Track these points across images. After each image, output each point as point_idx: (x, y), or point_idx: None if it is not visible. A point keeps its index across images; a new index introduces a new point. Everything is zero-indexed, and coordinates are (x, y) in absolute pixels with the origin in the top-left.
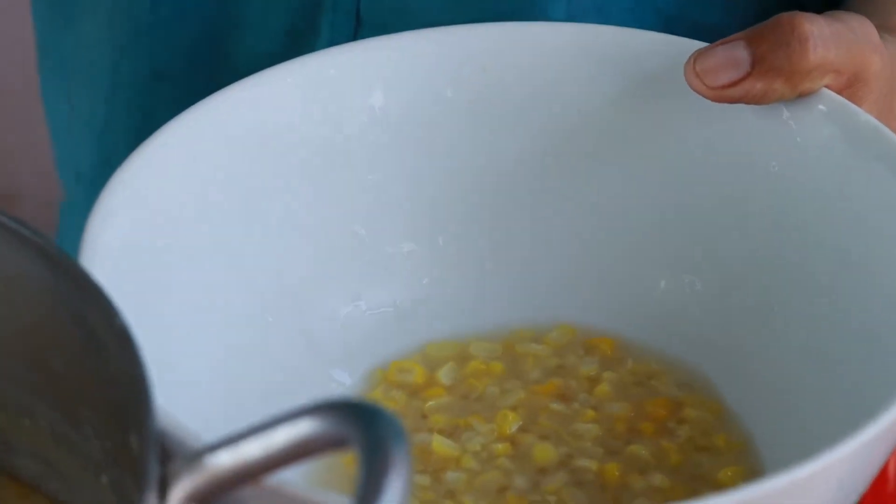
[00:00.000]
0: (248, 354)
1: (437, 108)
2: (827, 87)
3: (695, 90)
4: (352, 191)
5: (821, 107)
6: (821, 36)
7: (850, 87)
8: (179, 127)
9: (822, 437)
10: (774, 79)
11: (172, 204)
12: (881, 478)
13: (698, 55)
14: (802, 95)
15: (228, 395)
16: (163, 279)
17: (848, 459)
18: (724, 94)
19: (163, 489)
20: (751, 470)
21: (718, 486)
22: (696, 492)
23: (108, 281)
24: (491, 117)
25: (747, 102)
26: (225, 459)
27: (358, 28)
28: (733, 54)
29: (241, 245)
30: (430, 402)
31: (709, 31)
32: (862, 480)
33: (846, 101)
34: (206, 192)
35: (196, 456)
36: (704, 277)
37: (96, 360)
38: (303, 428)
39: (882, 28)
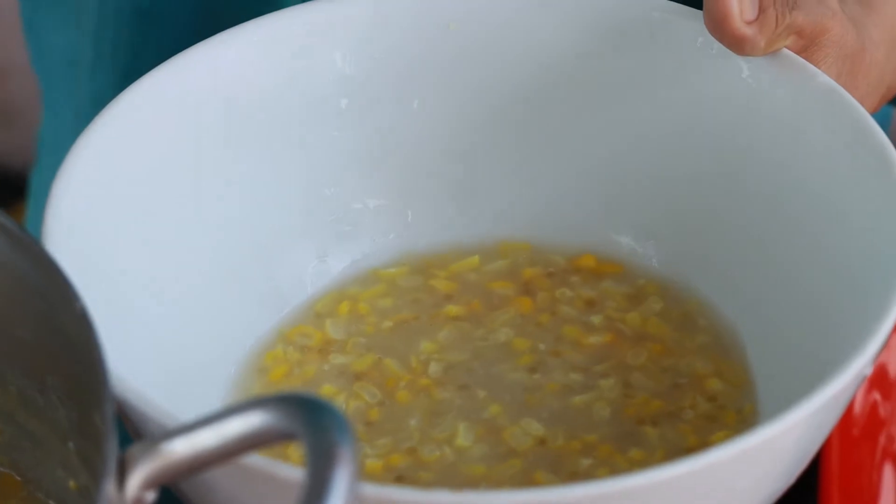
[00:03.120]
0: (214, 315)
1: (404, 65)
2: (787, 47)
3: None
4: (317, 149)
5: (781, 66)
6: None
7: (806, 51)
8: (142, 89)
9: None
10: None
11: (136, 169)
12: (846, 422)
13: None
14: (768, 53)
15: (195, 358)
16: (127, 245)
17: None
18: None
19: (121, 475)
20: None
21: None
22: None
23: (70, 253)
24: (458, 74)
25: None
26: (181, 447)
27: None
28: None
29: (207, 206)
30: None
31: None
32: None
33: (806, 62)
34: (169, 156)
35: (153, 443)
36: (664, 235)
37: (58, 335)
38: (253, 420)
39: None
